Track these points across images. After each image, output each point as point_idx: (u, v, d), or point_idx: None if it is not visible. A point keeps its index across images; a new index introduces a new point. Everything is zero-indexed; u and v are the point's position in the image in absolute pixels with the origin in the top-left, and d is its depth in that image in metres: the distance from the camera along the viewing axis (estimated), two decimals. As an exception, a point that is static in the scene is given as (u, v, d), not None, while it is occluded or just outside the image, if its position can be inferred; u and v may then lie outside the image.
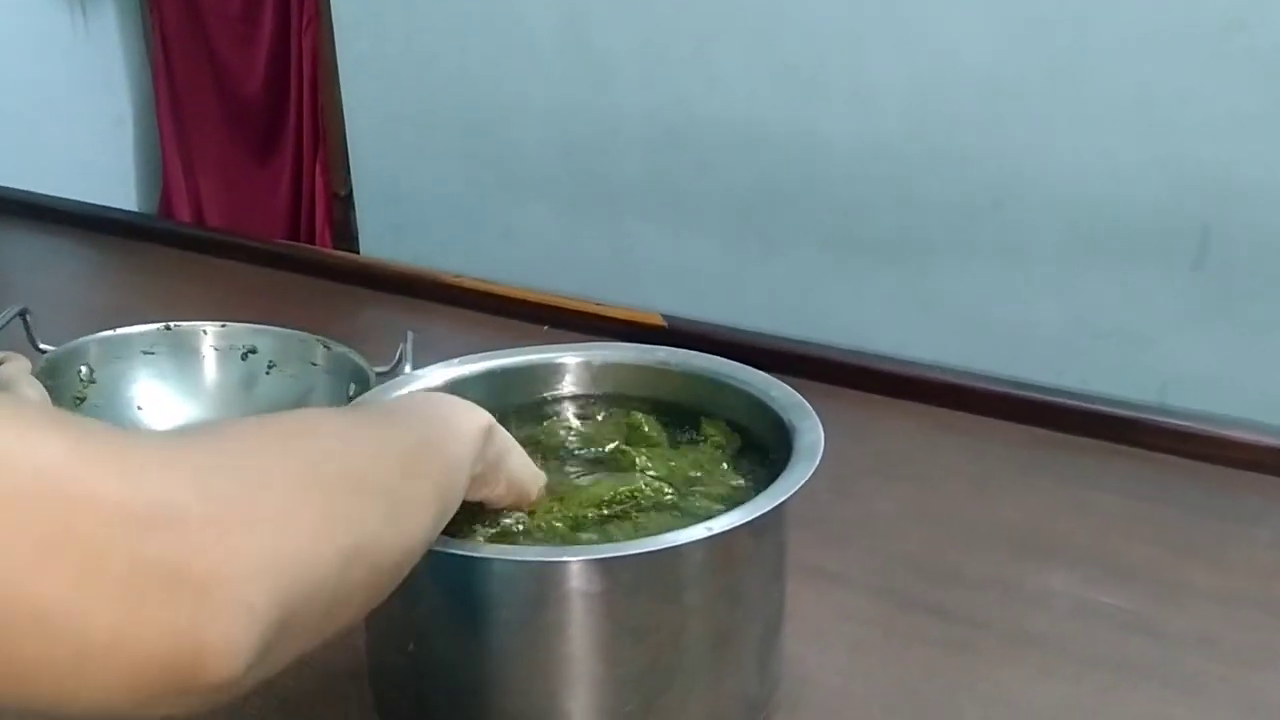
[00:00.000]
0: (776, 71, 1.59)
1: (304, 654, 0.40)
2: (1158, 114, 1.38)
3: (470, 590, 0.55)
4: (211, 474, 0.37)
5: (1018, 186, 1.47)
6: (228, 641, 0.34)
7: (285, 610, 0.37)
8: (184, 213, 2.33)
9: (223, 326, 0.91)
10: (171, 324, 0.90)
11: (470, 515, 0.58)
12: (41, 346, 0.85)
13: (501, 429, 0.57)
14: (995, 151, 1.47)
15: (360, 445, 0.47)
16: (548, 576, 0.54)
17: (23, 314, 0.85)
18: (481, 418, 0.55)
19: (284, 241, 1.88)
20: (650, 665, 0.56)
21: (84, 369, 0.87)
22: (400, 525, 0.45)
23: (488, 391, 0.69)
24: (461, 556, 0.54)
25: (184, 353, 0.90)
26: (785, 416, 0.64)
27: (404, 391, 0.65)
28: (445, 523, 0.51)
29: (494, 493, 0.57)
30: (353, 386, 0.84)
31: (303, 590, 0.38)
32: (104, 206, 1.55)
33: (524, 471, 0.59)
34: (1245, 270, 1.38)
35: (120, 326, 0.90)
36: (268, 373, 0.90)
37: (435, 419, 0.53)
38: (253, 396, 0.89)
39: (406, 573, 0.46)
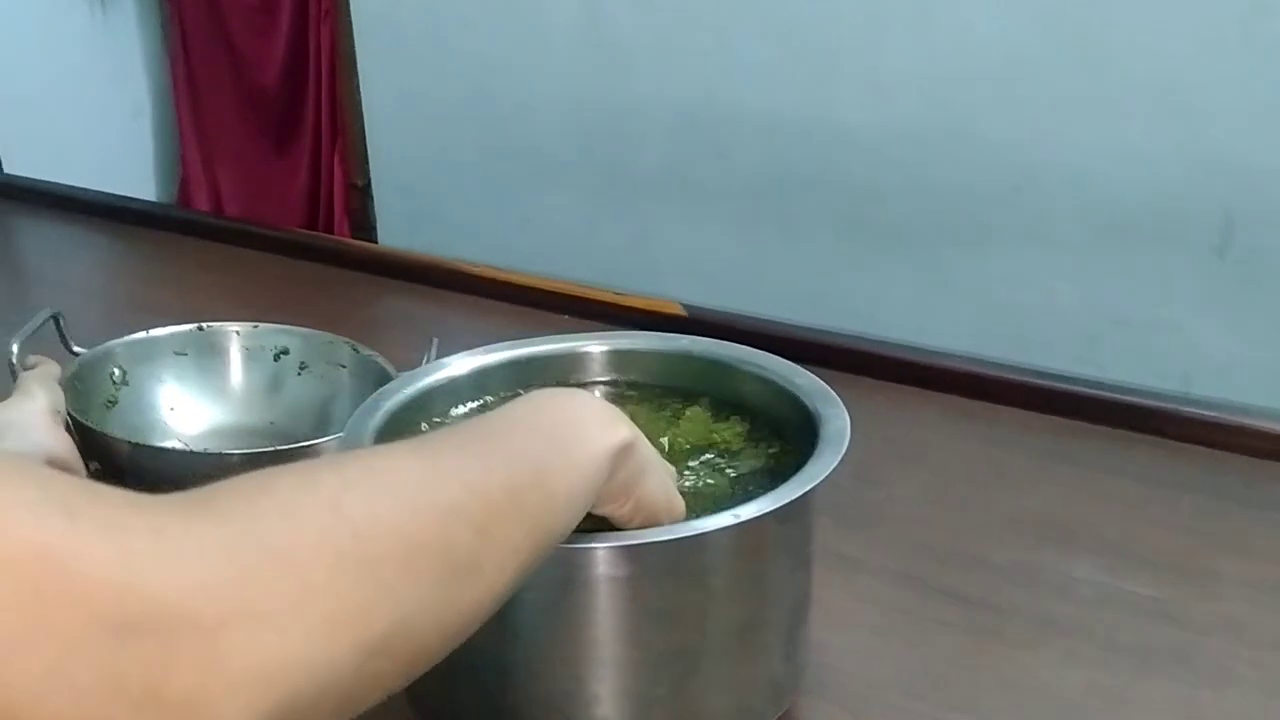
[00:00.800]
0: (795, 58, 1.59)
1: None
2: (1180, 98, 1.37)
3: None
4: (222, 564, 0.33)
5: (1038, 172, 1.46)
6: None
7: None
8: (202, 202, 2.34)
9: (255, 327, 0.91)
10: (204, 325, 0.91)
11: None
12: (74, 349, 0.85)
13: (645, 446, 0.51)
14: (1015, 137, 1.46)
15: (430, 495, 0.40)
16: (576, 562, 0.54)
17: (55, 318, 0.85)
18: (616, 436, 0.49)
19: (303, 230, 1.89)
20: (677, 650, 0.56)
21: (116, 371, 0.87)
22: (460, 595, 0.40)
23: (512, 380, 0.69)
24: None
25: (215, 353, 0.91)
26: (811, 404, 0.64)
27: (531, 394, 0.53)
28: (538, 564, 0.45)
29: (620, 511, 0.52)
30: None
31: (304, 698, 0.33)
32: (123, 196, 1.55)
33: (659, 496, 0.53)
34: (1269, 256, 1.37)
35: (149, 324, 0.90)
36: (299, 374, 0.90)
37: (557, 440, 0.47)
38: (283, 398, 0.90)
39: (463, 639, 0.41)
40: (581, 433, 0.48)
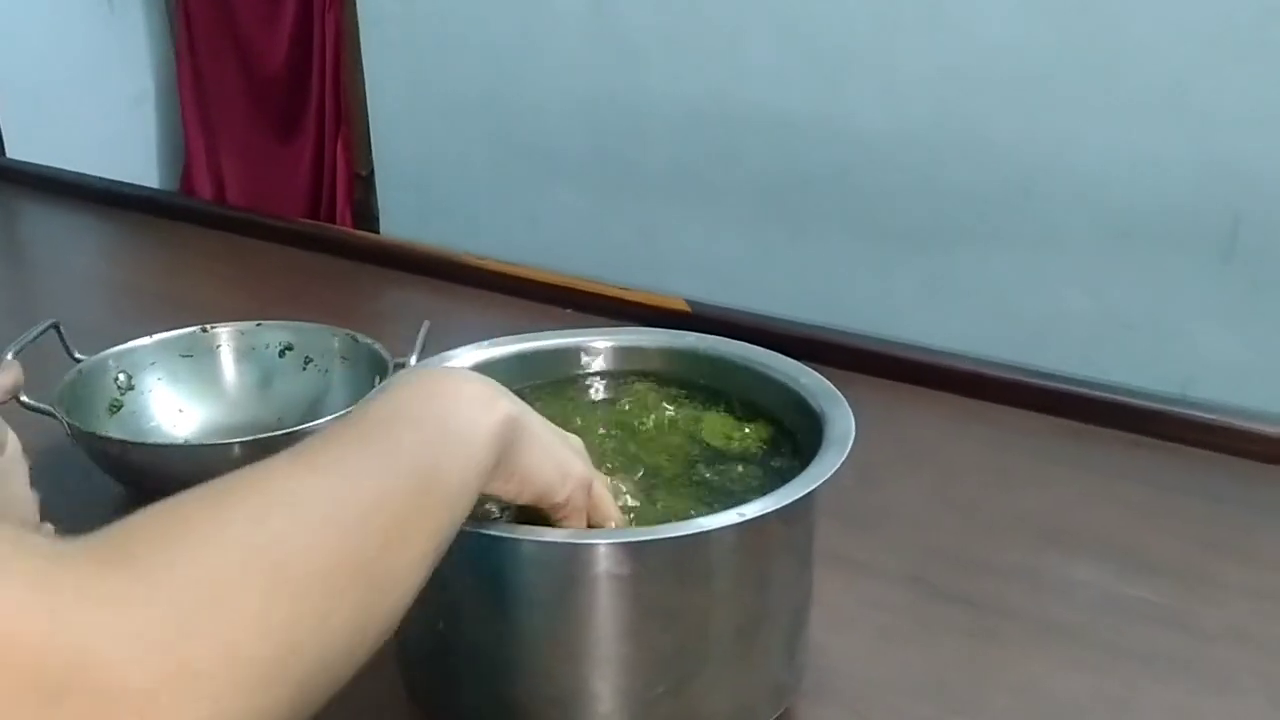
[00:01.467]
0: (805, 58, 1.58)
1: None
2: (1190, 103, 1.36)
3: (500, 571, 0.55)
4: (151, 616, 0.32)
5: (1047, 176, 1.46)
6: None
7: None
8: (205, 190, 2.34)
9: (257, 325, 0.92)
10: (207, 326, 0.91)
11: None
12: (76, 356, 0.85)
13: (529, 418, 0.51)
14: (1025, 140, 1.46)
15: (337, 515, 0.40)
16: (578, 559, 0.54)
17: (55, 326, 0.85)
18: (498, 413, 0.49)
19: (306, 220, 1.88)
20: (679, 649, 0.56)
21: (121, 376, 0.87)
22: (377, 607, 0.40)
23: (515, 374, 0.68)
24: (491, 537, 0.53)
25: (219, 354, 0.91)
26: (816, 404, 0.64)
27: (408, 378, 0.52)
28: (441, 553, 0.45)
29: (506, 488, 0.51)
30: (377, 379, 0.84)
31: (253, 709, 0.33)
32: (126, 183, 1.55)
33: (544, 467, 0.52)
34: (1275, 260, 1.37)
35: (150, 314, 0.90)
36: (304, 369, 0.91)
37: (443, 430, 0.46)
38: (289, 393, 0.91)
39: (378, 647, 0.41)
40: (466, 417, 0.48)
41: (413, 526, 0.43)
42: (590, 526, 0.55)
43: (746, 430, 0.66)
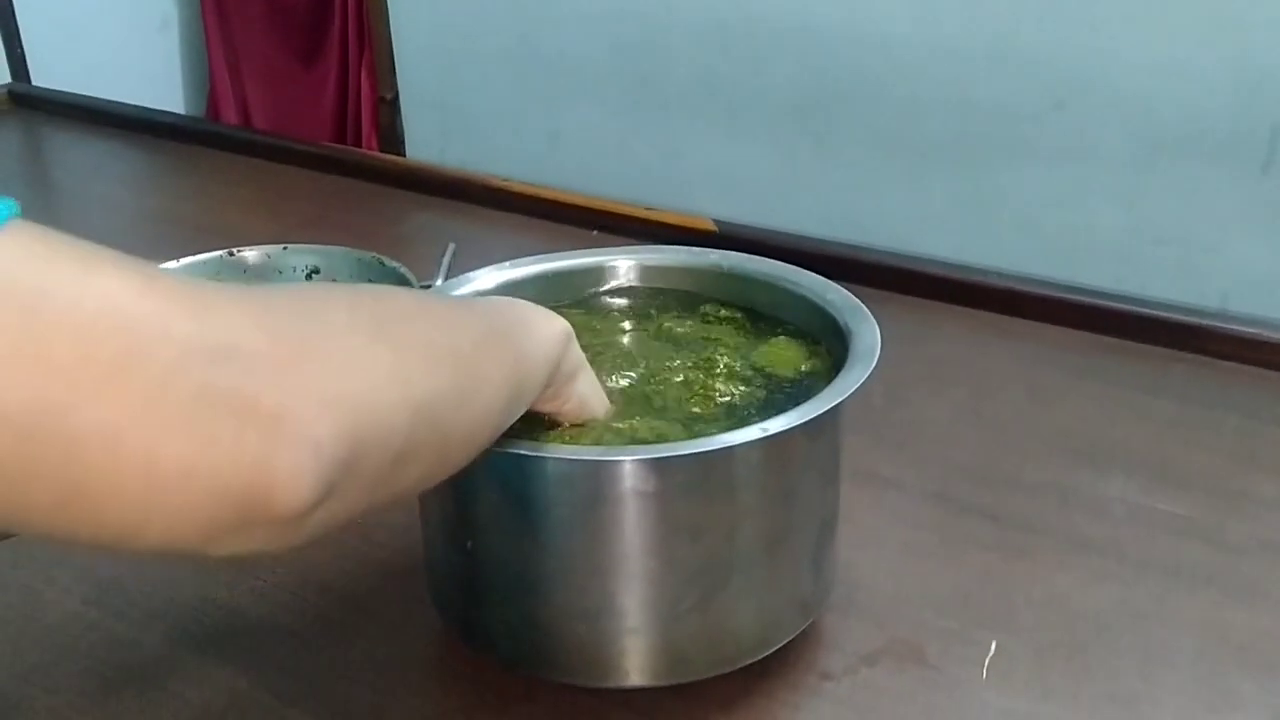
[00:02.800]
0: (831, -33, 1.55)
1: (379, 505, 0.41)
2: (1226, 10, 1.32)
3: (527, 489, 0.55)
4: (281, 318, 0.37)
5: (1080, 87, 1.42)
6: (294, 473, 0.34)
7: (352, 450, 0.37)
8: (231, 116, 2.33)
9: (284, 249, 0.92)
10: (233, 250, 0.91)
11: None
12: None
13: (577, 344, 0.56)
14: (1057, 51, 1.42)
15: (432, 316, 0.46)
16: (604, 475, 0.54)
17: None
18: (560, 324, 0.54)
19: (331, 145, 1.88)
20: (705, 564, 0.56)
21: None
22: (469, 398, 0.45)
23: (539, 294, 0.68)
24: (518, 455, 0.53)
25: (247, 278, 0.91)
26: (842, 319, 0.63)
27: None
28: (515, 415, 0.50)
29: (564, 407, 0.56)
30: None
31: (369, 433, 0.38)
32: (151, 109, 1.55)
33: (595, 390, 0.58)
34: (1316, 173, 1.33)
35: (177, 239, 0.90)
36: None
37: (512, 317, 0.53)
38: None
39: (474, 454, 0.47)
40: (530, 315, 0.54)
41: (496, 350, 0.49)
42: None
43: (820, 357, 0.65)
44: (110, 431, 0.32)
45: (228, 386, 0.33)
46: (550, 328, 0.54)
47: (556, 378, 0.54)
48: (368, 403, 0.38)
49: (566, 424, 0.58)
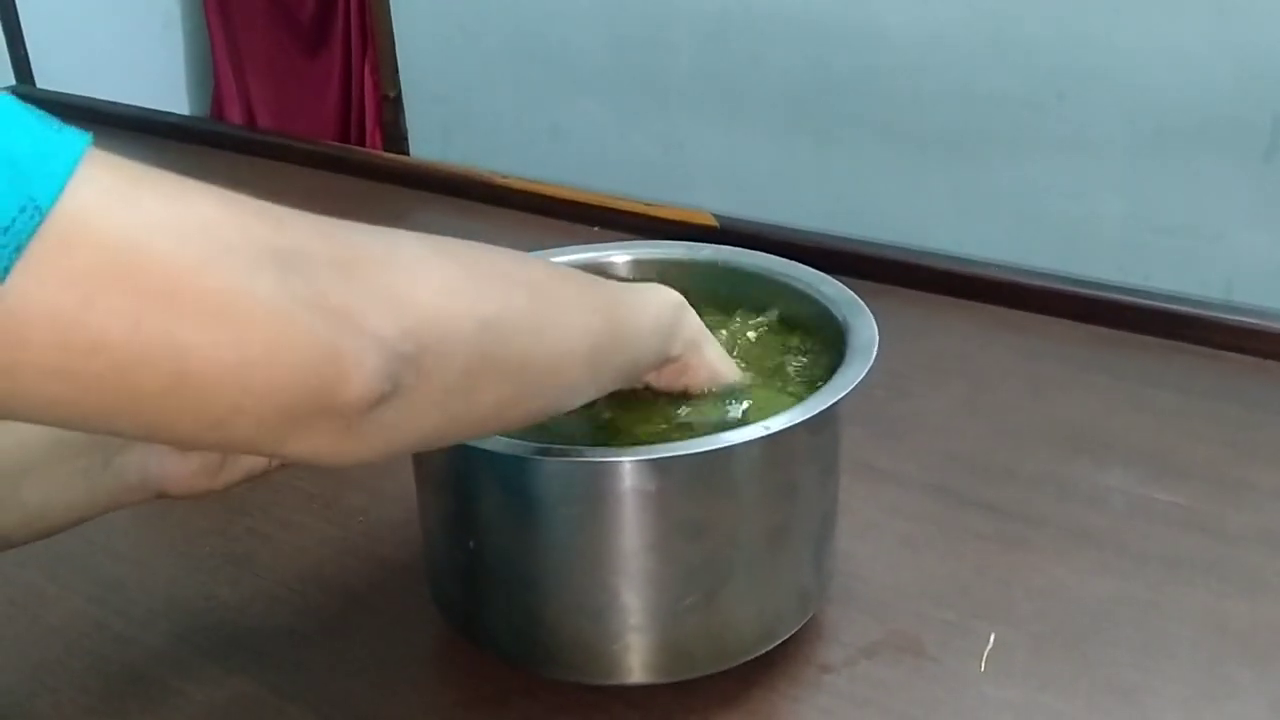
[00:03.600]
0: (831, -40, 1.54)
1: (457, 425, 0.43)
2: (1229, -2, 1.32)
3: (530, 490, 0.55)
4: (351, 234, 0.40)
5: (1082, 77, 1.42)
6: (359, 361, 0.37)
7: (416, 345, 0.39)
8: (235, 114, 2.34)
9: None
10: None
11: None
12: None
13: (695, 316, 0.57)
14: (1058, 41, 1.42)
15: (513, 256, 0.47)
16: (606, 476, 0.54)
17: None
18: (671, 293, 0.56)
19: (334, 143, 1.88)
20: (707, 561, 0.57)
21: None
22: (547, 328, 0.46)
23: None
24: (519, 458, 0.54)
25: None
26: (838, 313, 0.63)
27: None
28: (623, 372, 0.53)
29: (696, 378, 0.58)
30: None
31: (434, 334, 0.40)
32: (153, 110, 1.55)
33: (724, 356, 0.59)
34: (1319, 161, 1.33)
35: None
36: None
37: (613, 283, 0.54)
38: None
39: (568, 385, 0.48)
40: (636, 286, 0.55)
41: (589, 298, 0.50)
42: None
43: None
44: (206, 320, 0.34)
45: (300, 283, 0.36)
46: (659, 295, 0.55)
47: (677, 345, 0.55)
48: (431, 306, 0.40)
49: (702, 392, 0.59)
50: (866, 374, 0.57)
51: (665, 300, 0.55)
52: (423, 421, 0.41)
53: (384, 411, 0.38)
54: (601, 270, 0.70)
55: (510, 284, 0.45)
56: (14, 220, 0.31)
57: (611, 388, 0.55)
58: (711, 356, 0.58)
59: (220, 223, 0.36)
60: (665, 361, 0.56)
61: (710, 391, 0.59)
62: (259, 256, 0.36)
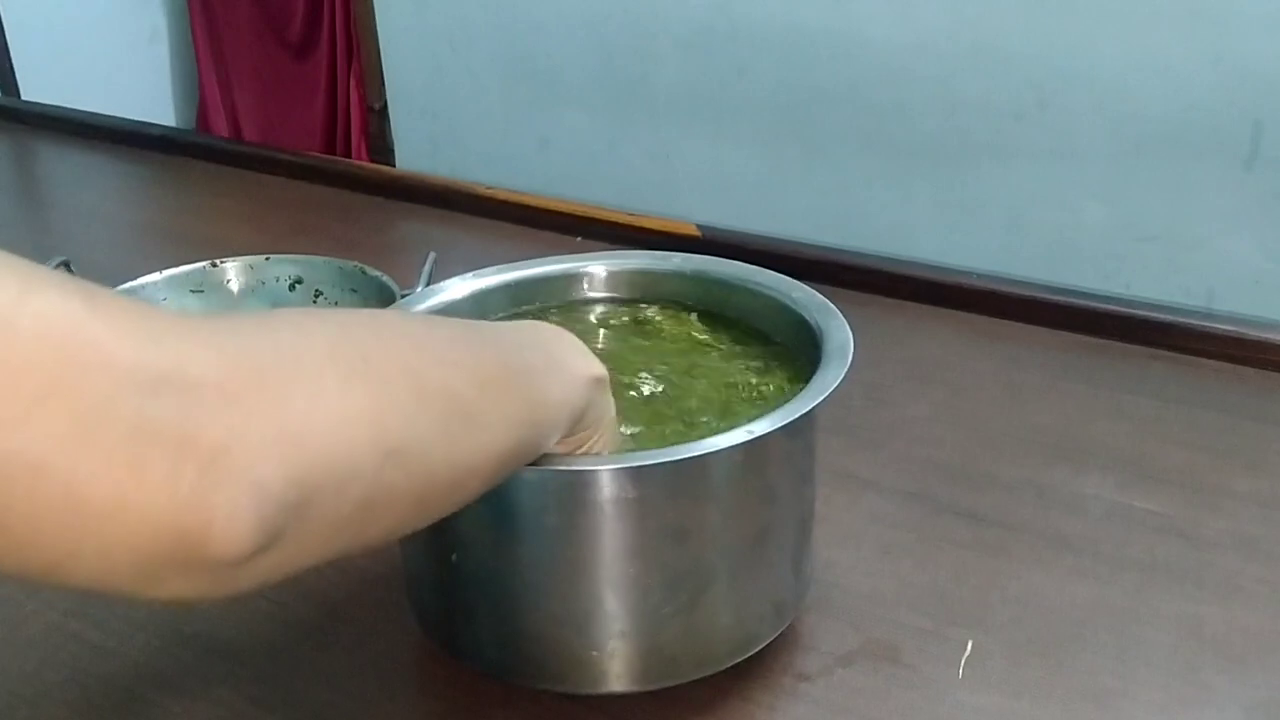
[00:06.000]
0: (814, -29, 1.55)
1: (345, 552, 0.38)
2: (1208, 8, 1.33)
3: (510, 500, 0.55)
4: (244, 345, 0.35)
5: (1063, 86, 1.43)
6: (232, 514, 0.32)
7: (303, 492, 0.34)
8: (221, 127, 2.34)
9: (266, 259, 0.92)
10: (216, 261, 0.91)
11: None
12: None
13: (609, 394, 0.53)
14: (1040, 50, 1.43)
15: (433, 351, 0.42)
16: (587, 485, 0.54)
17: (65, 263, 0.85)
18: (594, 371, 0.51)
19: (319, 155, 1.88)
20: (690, 569, 0.57)
21: None
22: (459, 444, 0.41)
23: (510, 302, 0.69)
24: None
25: (230, 288, 0.91)
26: (810, 318, 0.63)
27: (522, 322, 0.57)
28: (528, 458, 0.48)
29: (575, 452, 0.53)
30: None
31: (326, 475, 0.35)
32: (138, 122, 1.55)
33: (613, 444, 0.55)
34: (1298, 169, 1.34)
35: (166, 251, 0.91)
36: (315, 302, 0.91)
37: (541, 356, 0.49)
38: None
39: (463, 501, 0.44)
40: (565, 354, 0.51)
41: (506, 390, 0.45)
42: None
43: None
44: (34, 462, 0.30)
45: (167, 418, 0.31)
46: (584, 370, 0.51)
47: (577, 427, 0.51)
48: (327, 443, 0.35)
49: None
50: (845, 376, 0.57)
51: (584, 380, 0.51)
52: (306, 556, 0.36)
53: (259, 560, 0.34)
54: (578, 280, 0.71)
55: (424, 399, 0.40)
56: None
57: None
58: (601, 444, 0.54)
59: (78, 341, 0.31)
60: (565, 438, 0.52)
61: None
62: (117, 385, 0.31)
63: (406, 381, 0.39)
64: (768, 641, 0.61)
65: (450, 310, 0.67)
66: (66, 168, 1.51)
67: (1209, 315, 0.95)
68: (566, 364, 0.50)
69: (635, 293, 0.71)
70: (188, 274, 0.91)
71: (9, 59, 1.74)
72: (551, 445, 0.50)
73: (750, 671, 0.61)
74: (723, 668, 0.60)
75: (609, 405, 0.54)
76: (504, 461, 0.45)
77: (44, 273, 0.32)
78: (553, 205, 1.20)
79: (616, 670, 0.58)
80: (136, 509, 0.31)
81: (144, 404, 0.31)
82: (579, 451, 0.53)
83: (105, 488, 0.31)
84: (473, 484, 0.44)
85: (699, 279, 0.70)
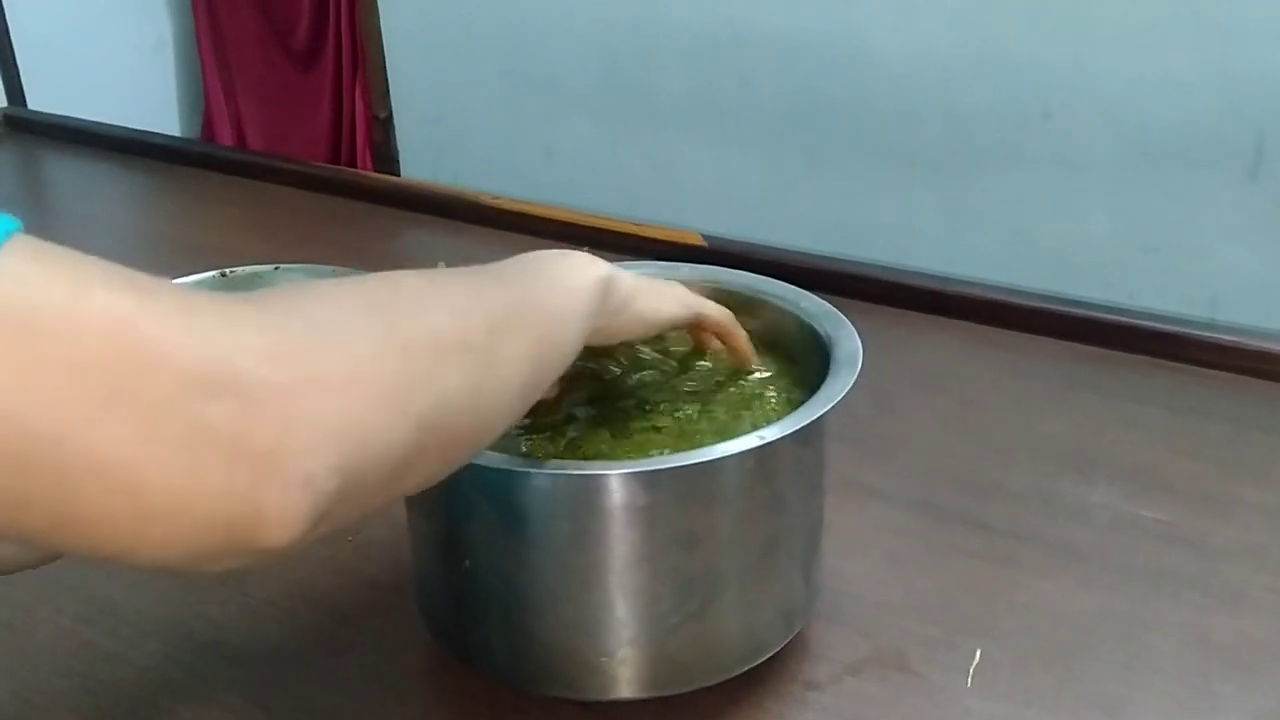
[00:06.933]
0: (819, -19, 1.56)
1: (379, 509, 0.41)
2: (1212, 18, 1.33)
3: (521, 505, 0.55)
4: (281, 338, 0.36)
5: (1068, 96, 1.43)
6: (284, 510, 0.34)
7: (346, 479, 0.36)
8: (226, 136, 2.34)
9: (275, 269, 0.92)
10: (227, 270, 0.91)
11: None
12: None
13: (624, 274, 0.55)
14: (1044, 60, 1.43)
15: (444, 303, 0.44)
16: (597, 492, 0.54)
17: None
18: (597, 270, 0.53)
19: (325, 164, 1.89)
20: (700, 574, 0.57)
21: None
22: (482, 391, 0.44)
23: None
24: (510, 471, 0.54)
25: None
26: (819, 327, 0.64)
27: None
28: (545, 382, 0.49)
29: (634, 334, 0.57)
30: None
31: (367, 458, 0.37)
32: (145, 131, 1.56)
33: (661, 305, 0.58)
34: (1302, 179, 1.34)
35: (172, 262, 0.91)
36: None
37: (541, 275, 0.51)
38: None
39: (497, 433, 0.46)
40: (563, 268, 0.53)
41: (517, 324, 0.47)
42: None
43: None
44: (100, 464, 0.32)
45: (218, 422, 0.33)
46: (586, 276, 0.53)
47: (602, 319, 0.53)
48: (369, 427, 0.37)
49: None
50: (855, 384, 0.58)
51: (587, 286, 0.53)
52: (345, 525, 0.39)
53: (302, 540, 0.36)
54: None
55: (446, 356, 0.42)
56: None
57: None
58: (640, 307, 0.56)
59: (135, 343, 0.32)
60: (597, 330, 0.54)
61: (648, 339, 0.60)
62: (175, 390, 0.33)
63: (428, 344, 0.42)
64: (777, 649, 0.61)
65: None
66: (73, 177, 1.51)
67: (1213, 326, 0.95)
68: (566, 277, 0.52)
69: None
70: (198, 283, 0.91)
71: (16, 68, 1.75)
72: (578, 349, 0.52)
73: (760, 679, 0.61)
74: (732, 675, 0.60)
75: (627, 286, 0.55)
76: (525, 393, 0.48)
77: (88, 263, 0.33)
78: (558, 215, 1.21)
79: (627, 677, 0.58)
80: (195, 507, 0.33)
81: (199, 407, 0.33)
82: (636, 336, 0.57)
83: (167, 487, 0.33)
84: (499, 423, 0.46)
85: (708, 289, 0.70)
